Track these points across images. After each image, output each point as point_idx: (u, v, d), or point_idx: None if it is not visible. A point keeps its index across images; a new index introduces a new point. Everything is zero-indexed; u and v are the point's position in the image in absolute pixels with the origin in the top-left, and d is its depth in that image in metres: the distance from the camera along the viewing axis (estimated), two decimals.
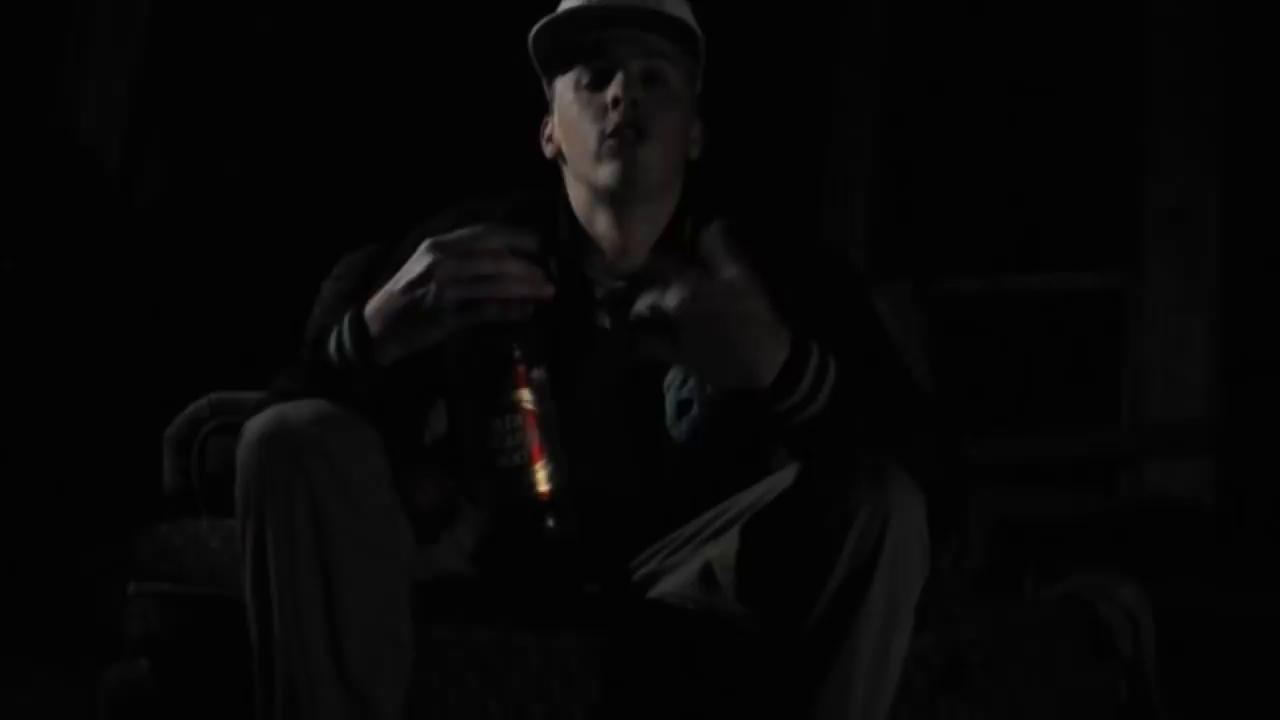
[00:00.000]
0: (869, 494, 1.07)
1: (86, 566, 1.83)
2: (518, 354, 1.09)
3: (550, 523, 1.08)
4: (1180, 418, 2.52)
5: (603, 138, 1.25)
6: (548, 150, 1.35)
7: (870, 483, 1.07)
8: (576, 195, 1.33)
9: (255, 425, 1.11)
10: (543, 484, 1.07)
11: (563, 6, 1.30)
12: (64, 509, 2.13)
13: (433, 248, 1.12)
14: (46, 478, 2.16)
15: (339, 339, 1.15)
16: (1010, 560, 1.77)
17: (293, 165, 2.72)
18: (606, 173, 1.26)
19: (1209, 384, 2.52)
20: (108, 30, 2.62)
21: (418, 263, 1.12)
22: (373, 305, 1.15)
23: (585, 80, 1.28)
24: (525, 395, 1.08)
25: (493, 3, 1.32)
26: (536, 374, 1.09)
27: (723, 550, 1.15)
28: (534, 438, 1.07)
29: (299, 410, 1.11)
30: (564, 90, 1.30)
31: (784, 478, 1.14)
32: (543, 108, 1.38)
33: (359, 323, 1.15)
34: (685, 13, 1.31)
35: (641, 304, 1.09)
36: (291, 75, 2.74)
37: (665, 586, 1.21)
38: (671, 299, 1.07)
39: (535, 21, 1.30)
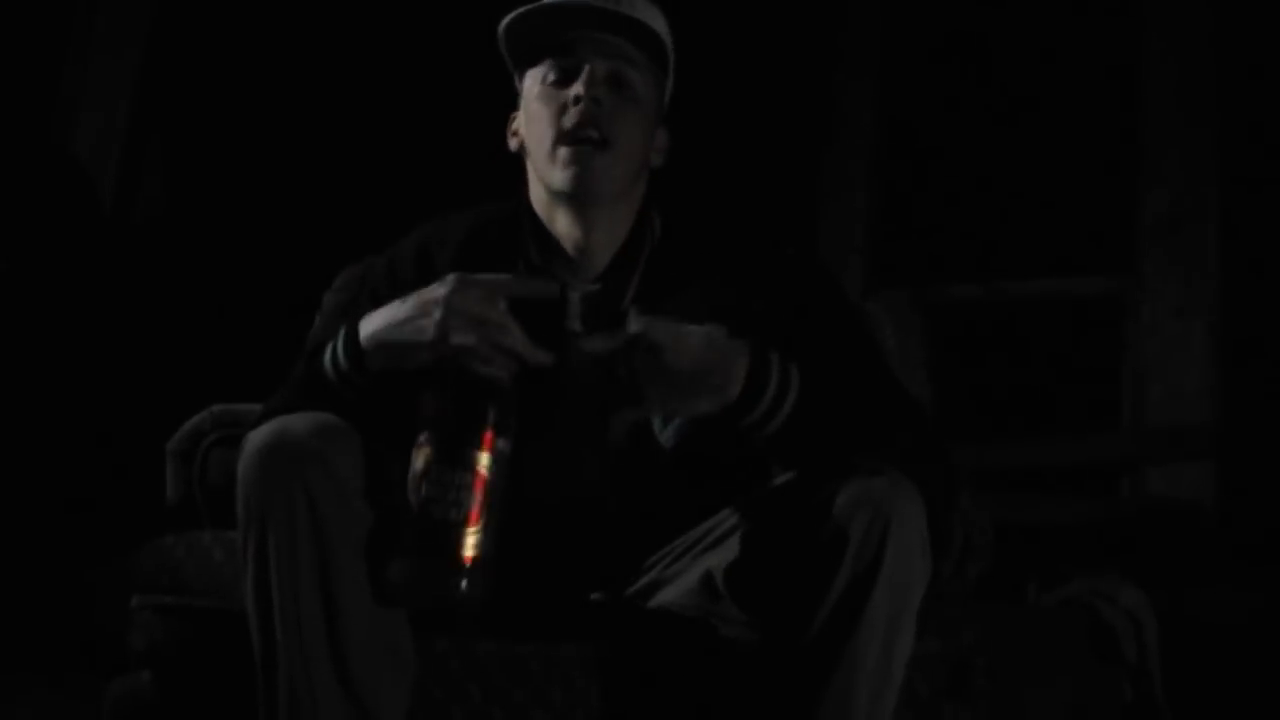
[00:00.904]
0: (869, 500, 1.07)
1: (89, 579, 1.83)
2: (491, 417, 1.09)
3: (461, 585, 1.06)
4: (1181, 422, 2.52)
5: (560, 139, 1.26)
6: (512, 144, 1.36)
7: (870, 489, 1.07)
8: (536, 193, 1.34)
9: (256, 438, 1.12)
10: (469, 549, 1.06)
11: (536, 3, 1.30)
12: (66, 522, 2.13)
13: (457, 279, 1.14)
14: (48, 491, 2.16)
15: (334, 350, 1.17)
16: (1013, 565, 1.77)
17: (291, 178, 2.72)
18: (561, 177, 1.26)
19: (1209, 388, 2.52)
20: (106, 46, 2.63)
21: (437, 286, 1.14)
22: (372, 316, 1.16)
23: (551, 77, 1.28)
24: (484, 459, 1.07)
25: (487, 16, 1.32)
26: (502, 444, 1.09)
27: (723, 559, 1.15)
28: (477, 501, 1.07)
29: (299, 422, 1.11)
30: (530, 84, 1.31)
31: (783, 485, 1.14)
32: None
33: (353, 331, 1.16)
34: (659, 24, 1.32)
35: (591, 359, 1.11)
36: (289, 89, 2.75)
37: (666, 596, 1.21)
38: (626, 360, 1.09)
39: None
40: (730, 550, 1.14)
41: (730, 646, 1.12)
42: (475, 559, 1.07)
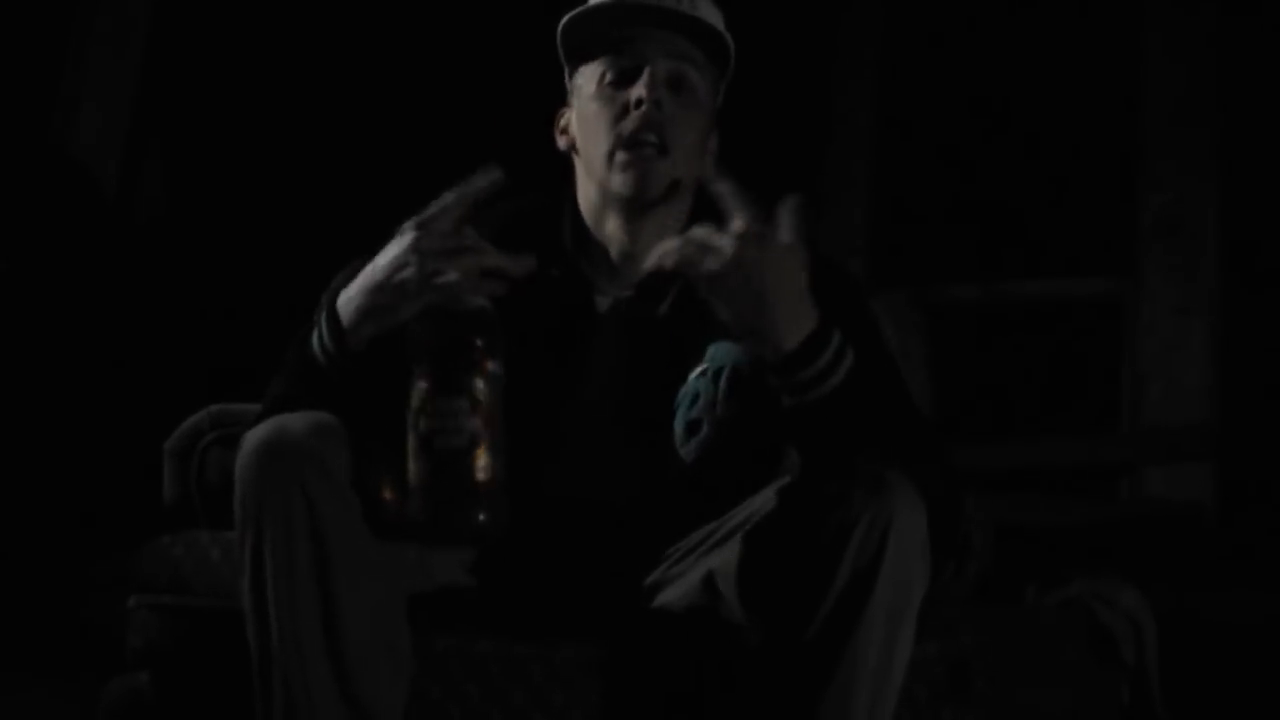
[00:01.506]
0: (870, 501, 1.06)
1: (86, 579, 1.83)
2: (479, 342, 1.09)
3: (481, 514, 1.07)
4: (1180, 422, 2.52)
5: (619, 142, 1.24)
6: (561, 142, 1.33)
7: (871, 490, 1.07)
8: (585, 193, 1.32)
9: (253, 437, 1.11)
10: (479, 472, 1.06)
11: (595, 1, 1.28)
12: (64, 521, 2.13)
13: (413, 225, 1.13)
14: (46, 490, 2.16)
15: (318, 332, 1.17)
16: (1012, 567, 1.77)
17: (292, 176, 2.72)
18: (620, 181, 1.24)
19: (1208, 388, 2.52)
20: (106, 44, 2.63)
21: (398, 240, 1.13)
22: (349, 290, 1.16)
23: (610, 76, 1.26)
24: (478, 383, 1.08)
25: (493, 13, 1.31)
26: (493, 366, 1.09)
27: (725, 559, 1.15)
28: (478, 425, 1.07)
29: (297, 422, 1.11)
30: (586, 83, 1.28)
31: (785, 486, 1.14)
32: (546, 109, 1.36)
33: (333, 311, 1.16)
34: (718, 20, 1.30)
35: (700, 231, 1.09)
36: (290, 87, 2.74)
37: (668, 596, 1.21)
38: (736, 231, 1.07)
39: (535, 28, 1.29)
40: (732, 551, 1.14)
41: (731, 647, 1.11)
42: (488, 481, 1.07)
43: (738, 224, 1.08)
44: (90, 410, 2.26)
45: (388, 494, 1.11)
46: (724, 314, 1.11)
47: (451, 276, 1.11)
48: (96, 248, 2.44)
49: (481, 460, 1.07)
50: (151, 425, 1.63)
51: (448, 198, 1.14)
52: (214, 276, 2.57)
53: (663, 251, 1.12)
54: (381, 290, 1.13)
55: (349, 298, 1.16)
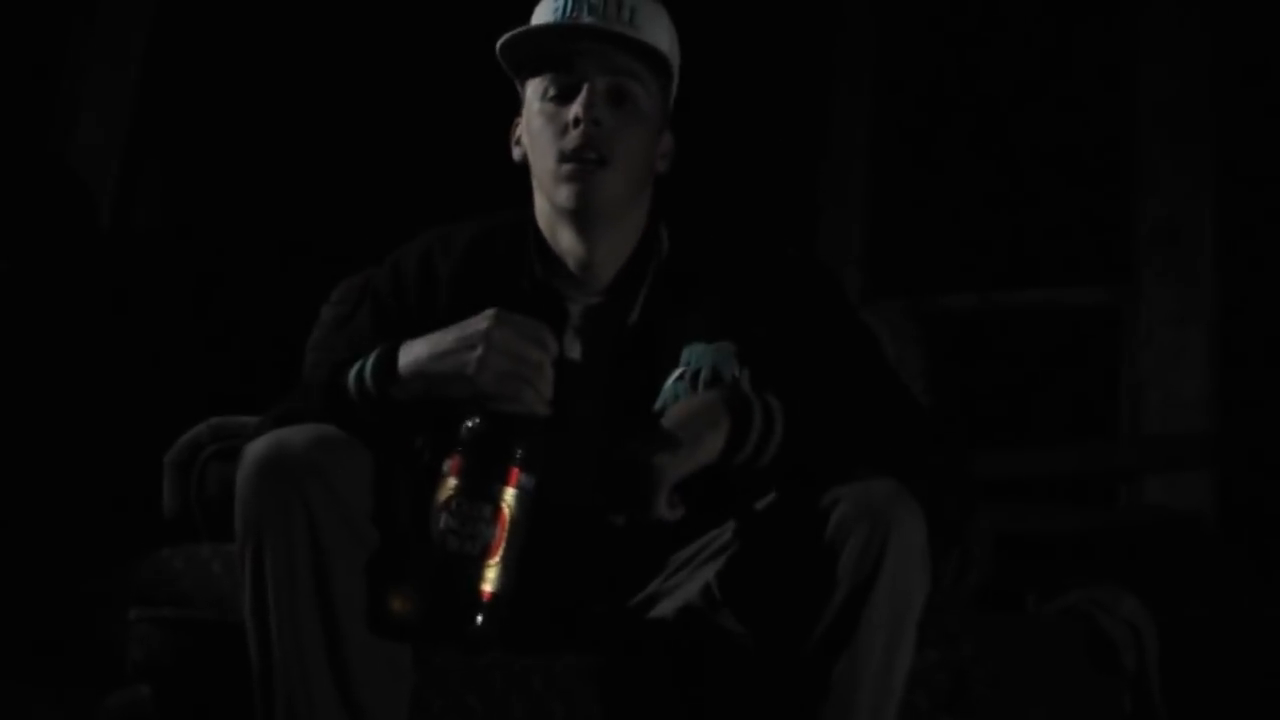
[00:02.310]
0: (868, 510, 1.07)
1: (87, 591, 1.82)
2: (519, 452, 1.09)
3: (475, 625, 1.06)
4: (1179, 431, 2.52)
5: (562, 158, 1.25)
6: (515, 154, 1.34)
7: (868, 499, 1.07)
8: (541, 207, 1.33)
9: (254, 450, 1.12)
10: (488, 583, 1.06)
11: (534, 20, 1.29)
12: (63, 534, 2.12)
13: (498, 314, 1.15)
14: (45, 502, 2.16)
15: (361, 370, 1.17)
16: (1011, 576, 1.77)
17: (289, 189, 2.72)
18: (564, 194, 1.25)
19: (1207, 396, 2.52)
20: (104, 57, 2.63)
21: (479, 320, 1.15)
22: (415, 345, 1.17)
23: (551, 91, 1.27)
24: (508, 494, 1.07)
25: (486, 28, 1.32)
26: (527, 480, 1.09)
27: (723, 570, 1.15)
28: (498, 537, 1.06)
29: (297, 434, 1.11)
30: (531, 98, 1.30)
31: (783, 496, 1.14)
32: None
33: (389, 357, 1.17)
34: (660, 25, 1.30)
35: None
36: (287, 100, 2.75)
37: (666, 607, 1.21)
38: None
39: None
40: (730, 562, 1.14)
41: (731, 658, 1.11)
42: (493, 595, 1.06)
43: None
44: (88, 422, 2.25)
45: (396, 601, 1.09)
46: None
47: (509, 376, 1.12)
48: (94, 257, 2.44)
49: (491, 572, 1.06)
50: (151, 437, 1.63)
51: (539, 325, 1.16)
52: (212, 289, 2.57)
53: None
54: (444, 359, 1.14)
55: (412, 350, 1.16)
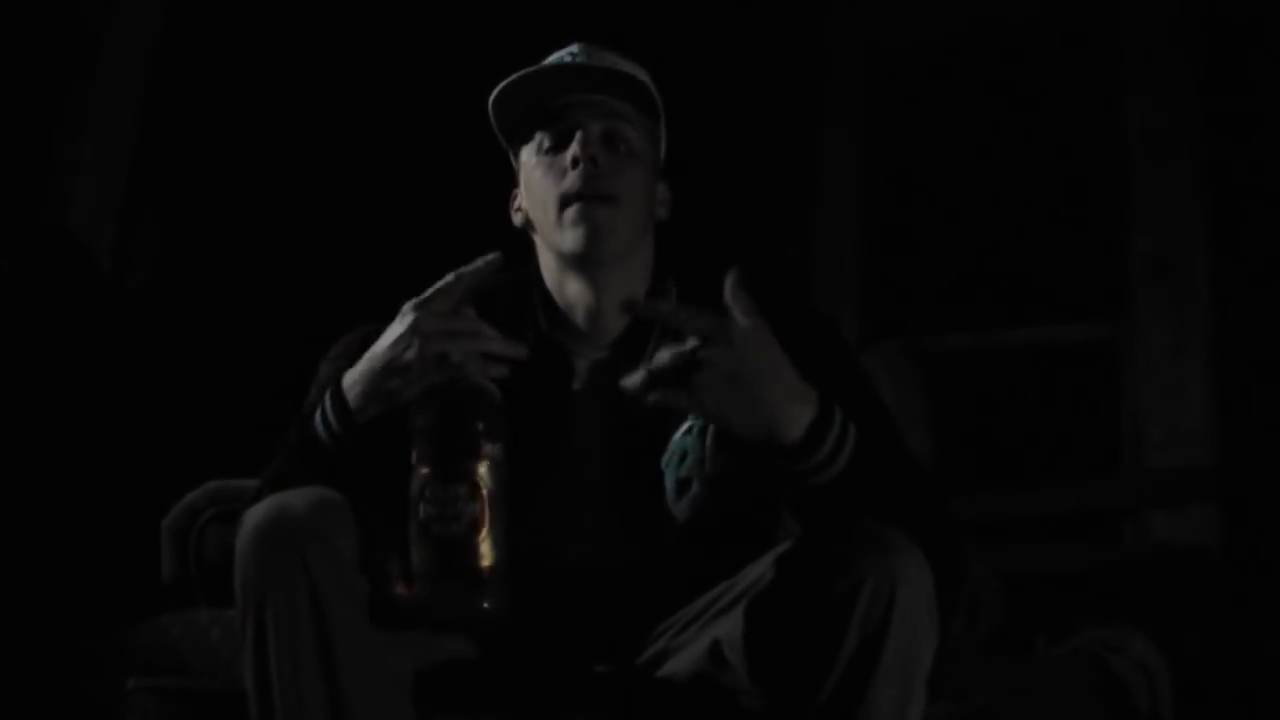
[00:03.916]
0: (874, 562, 1.05)
1: (84, 657, 1.80)
2: (480, 426, 1.09)
3: (483, 600, 1.06)
4: (1181, 464, 2.51)
5: (564, 202, 1.26)
6: (516, 220, 1.36)
7: (875, 551, 1.06)
8: (546, 262, 1.34)
9: (254, 515, 1.11)
10: (480, 559, 1.07)
11: (517, 73, 1.31)
12: (59, 601, 2.10)
13: (413, 306, 1.15)
14: (40, 569, 2.14)
15: (322, 411, 1.18)
16: (1018, 616, 1.75)
17: (287, 248, 2.73)
18: (571, 238, 1.26)
19: (1208, 429, 2.51)
20: (100, 117, 2.64)
21: (400, 322, 1.15)
22: (353, 371, 1.17)
23: (546, 144, 1.29)
24: (479, 469, 1.08)
25: (480, 87, 1.33)
26: (494, 449, 1.09)
27: (730, 627, 1.13)
28: (480, 511, 1.07)
29: (297, 499, 1.11)
30: (527, 157, 1.32)
31: (788, 551, 1.13)
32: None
33: (338, 391, 1.17)
34: (643, 75, 1.33)
35: (663, 355, 1.08)
36: (285, 159, 2.76)
37: (674, 666, 1.19)
38: (700, 346, 1.06)
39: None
40: (736, 618, 1.13)
41: (740, 717, 1.10)
42: (489, 568, 1.07)
43: (694, 334, 1.07)
44: (85, 486, 2.24)
45: (398, 584, 1.10)
46: (722, 424, 1.09)
47: (453, 359, 1.12)
48: (91, 319, 2.44)
49: (482, 546, 1.07)
50: (149, 502, 1.61)
51: (447, 279, 1.16)
52: (211, 347, 2.56)
53: (630, 388, 1.10)
54: (385, 372, 1.14)
55: (353, 379, 1.17)
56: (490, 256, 1.17)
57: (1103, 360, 2.69)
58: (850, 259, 2.92)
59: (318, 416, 1.18)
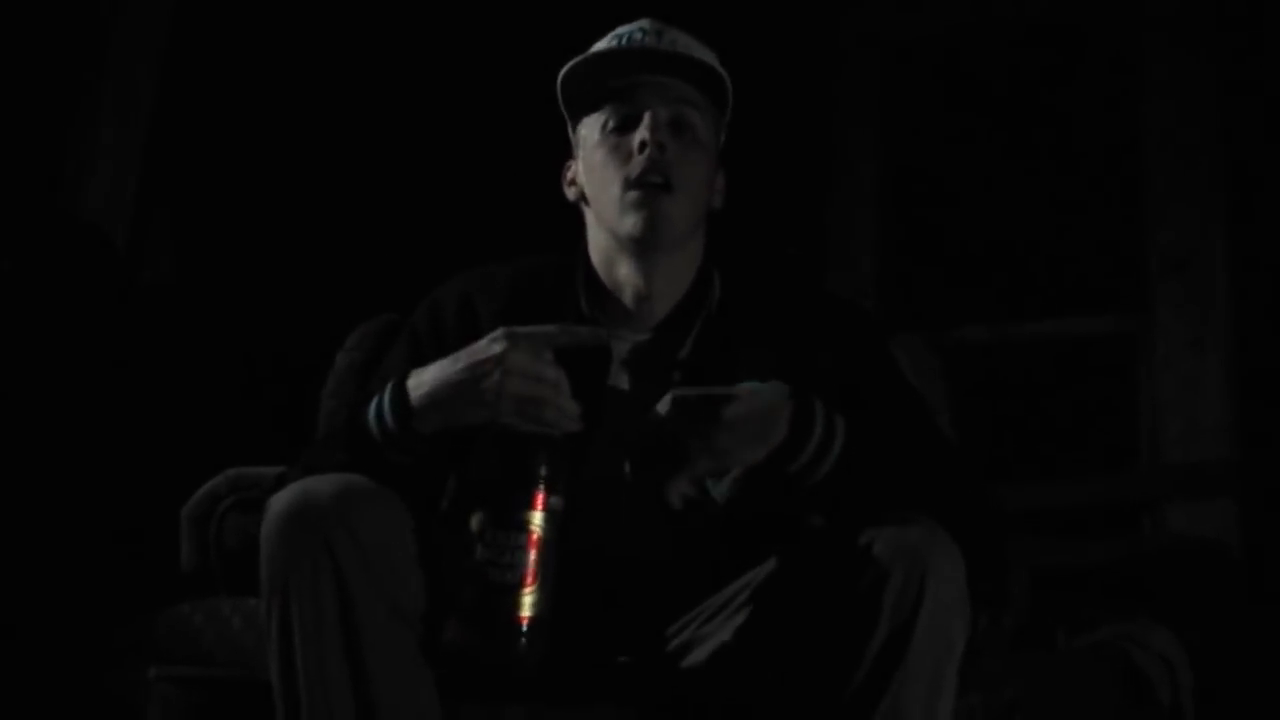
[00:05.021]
0: (904, 553, 1.04)
1: (106, 647, 1.80)
2: (544, 474, 1.08)
3: (519, 648, 1.06)
4: (1200, 458, 2.50)
5: (627, 185, 1.25)
6: (570, 194, 1.34)
7: (904, 541, 1.05)
8: (597, 241, 1.32)
9: (279, 502, 1.09)
10: (526, 609, 1.06)
11: (593, 49, 1.29)
12: (80, 591, 2.10)
13: (508, 335, 1.12)
14: (60, 560, 2.14)
15: (379, 407, 1.14)
16: (1041, 611, 1.74)
17: (302, 238, 2.72)
18: (630, 223, 1.25)
19: (1227, 423, 2.50)
20: (113, 109, 2.64)
21: (490, 344, 1.12)
22: (423, 375, 1.14)
23: (612, 124, 1.27)
24: (537, 518, 1.07)
25: (502, 72, 1.32)
26: (555, 500, 1.08)
27: (757, 617, 1.12)
28: (532, 561, 1.06)
29: (323, 485, 1.09)
30: (589, 133, 1.30)
31: (817, 541, 1.12)
32: (554, 162, 1.37)
33: (400, 391, 1.14)
34: (713, 60, 1.31)
35: (690, 391, 1.10)
36: (298, 149, 2.75)
37: (699, 656, 1.18)
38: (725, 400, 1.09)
39: (543, 78, 1.30)
40: (764, 608, 1.12)
41: (767, 707, 1.09)
42: (533, 619, 1.06)
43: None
44: (105, 476, 2.24)
45: (450, 631, 1.09)
46: (706, 467, 1.12)
47: (528, 400, 1.10)
48: (112, 310, 2.44)
49: (530, 597, 1.06)
50: (168, 490, 1.61)
51: (550, 329, 1.14)
52: (228, 337, 2.56)
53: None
54: (458, 388, 1.12)
55: (421, 381, 1.14)
56: (599, 332, 1.18)
57: (1121, 354, 2.67)
58: (866, 253, 2.91)
59: (372, 409, 1.15)
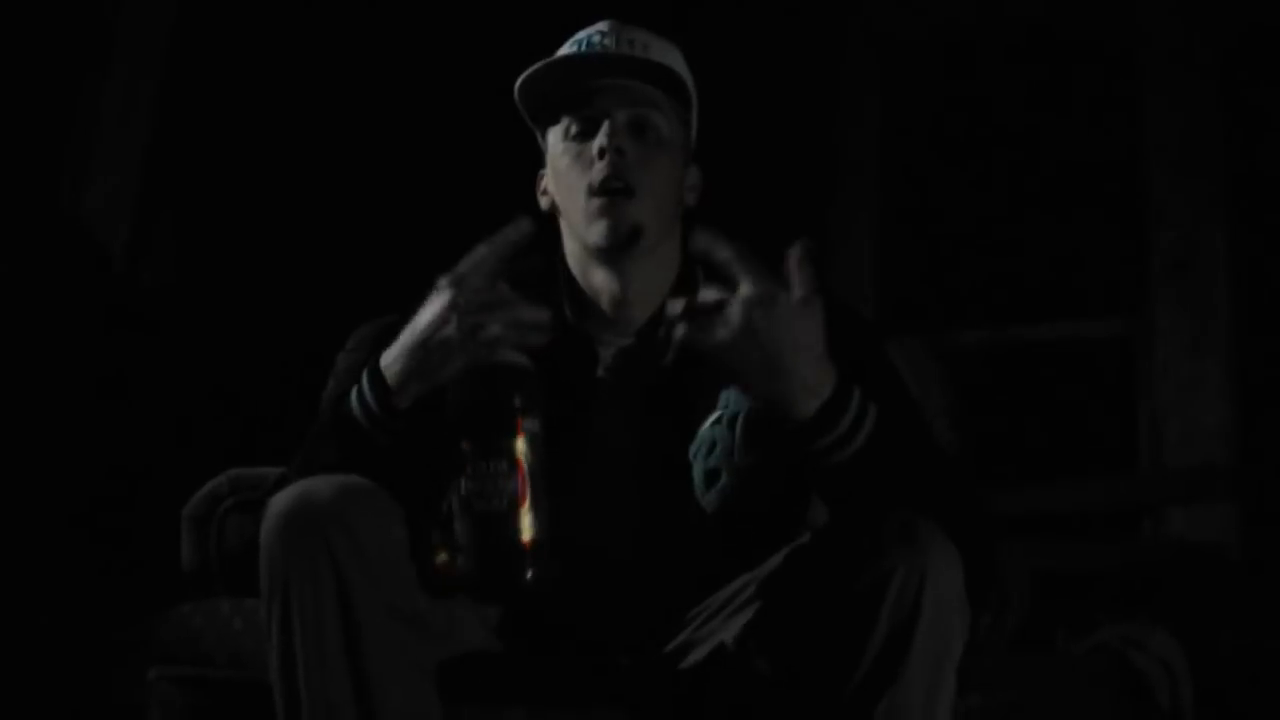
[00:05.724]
0: (904, 552, 1.04)
1: (106, 648, 1.80)
2: (516, 402, 1.10)
3: (529, 571, 1.08)
4: (1199, 462, 2.50)
5: (590, 193, 1.25)
6: (543, 203, 1.34)
7: (905, 541, 1.05)
8: (572, 249, 1.33)
9: (278, 503, 1.10)
10: (525, 532, 1.08)
11: (553, 56, 1.30)
12: (80, 592, 2.10)
13: (449, 281, 1.13)
14: (61, 561, 2.14)
15: (359, 392, 1.16)
16: (1040, 614, 1.75)
17: (303, 239, 2.73)
18: (596, 231, 1.25)
19: (1227, 426, 2.50)
20: (115, 111, 2.64)
21: (436, 298, 1.13)
22: (390, 351, 1.15)
23: (573, 130, 1.28)
24: (518, 444, 1.09)
25: (503, 75, 1.32)
26: (531, 424, 1.10)
27: (756, 618, 1.12)
28: (521, 486, 1.08)
29: (322, 485, 1.10)
30: (554, 142, 1.30)
31: (816, 540, 1.12)
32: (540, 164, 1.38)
33: (376, 372, 1.15)
34: (674, 59, 1.31)
35: (709, 293, 1.07)
36: (300, 152, 2.76)
37: (699, 656, 1.18)
38: (744, 297, 1.04)
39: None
40: (763, 609, 1.12)
41: (767, 709, 1.09)
42: (532, 541, 1.08)
43: (745, 289, 1.05)
44: (105, 477, 2.24)
45: (440, 554, 1.11)
46: (737, 381, 1.10)
47: (493, 331, 1.11)
48: (110, 311, 2.44)
49: (524, 520, 1.08)
50: (169, 491, 1.61)
51: (480, 251, 1.14)
52: (229, 338, 2.56)
53: (671, 315, 1.09)
54: (424, 349, 1.13)
55: (391, 358, 1.15)
56: (521, 225, 1.15)
57: (1121, 357, 2.68)
58: (867, 255, 2.91)
59: (354, 397, 1.16)
